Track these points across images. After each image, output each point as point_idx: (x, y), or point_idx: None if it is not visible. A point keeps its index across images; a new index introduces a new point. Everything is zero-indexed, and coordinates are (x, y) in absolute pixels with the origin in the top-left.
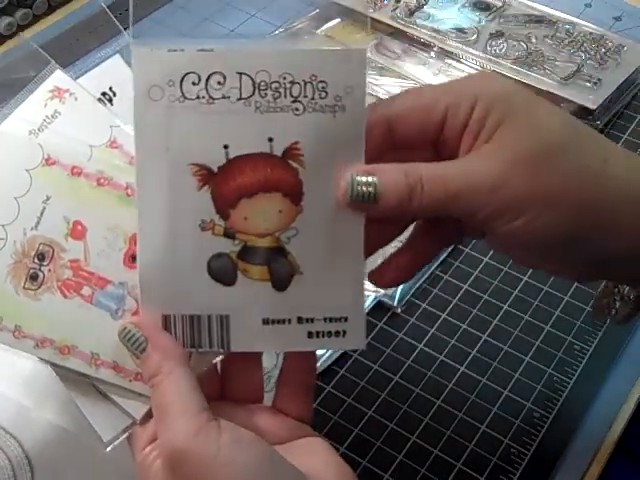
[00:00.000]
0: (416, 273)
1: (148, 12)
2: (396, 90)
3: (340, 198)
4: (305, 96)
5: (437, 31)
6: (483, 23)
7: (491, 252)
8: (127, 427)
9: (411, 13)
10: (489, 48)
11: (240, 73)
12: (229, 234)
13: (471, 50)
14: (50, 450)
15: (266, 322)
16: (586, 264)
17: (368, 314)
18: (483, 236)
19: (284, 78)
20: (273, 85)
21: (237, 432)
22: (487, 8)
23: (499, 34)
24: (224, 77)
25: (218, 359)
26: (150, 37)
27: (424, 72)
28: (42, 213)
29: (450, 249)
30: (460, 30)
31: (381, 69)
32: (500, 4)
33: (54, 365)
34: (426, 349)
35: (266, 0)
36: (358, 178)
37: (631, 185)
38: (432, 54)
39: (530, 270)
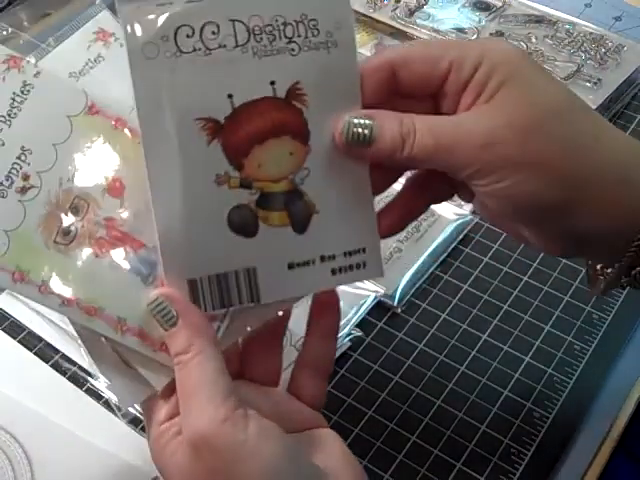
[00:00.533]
0: (405, 227)
1: None
2: None
3: (337, 138)
4: (299, 35)
5: (437, 31)
6: (483, 23)
7: (491, 252)
8: (148, 397)
9: (411, 13)
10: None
11: (233, 20)
12: (245, 184)
13: None
14: (50, 450)
15: (291, 266)
16: (565, 237)
17: (368, 314)
18: (471, 199)
19: (276, 20)
20: (267, 28)
21: (264, 423)
22: (487, 8)
23: (499, 34)
24: (217, 26)
25: (242, 337)
26: None
27: None
28: (81, 165)
29: (450, 249)
30: (460, 30)
31: None
32: (500, 4)
33: (79, 325)
34: (426, 349)
35: None
36: (355, 120)
37: (619, 163)
38: None
39: (530, 270)
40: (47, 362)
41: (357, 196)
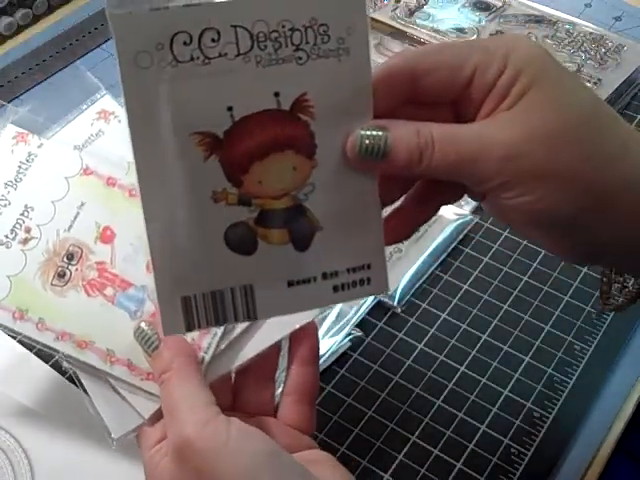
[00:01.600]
0: (413, 233)
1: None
2: None
3: (348, 152)
4: (307, 42)
5: (437, 31)
6: (483, 23)
7: (491, 252)
8: (137, 426)
9: (411, 13)
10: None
11: (235, 26)
12: (244, 201)
13: None
14: (50, 450)
15: (291, 284)
16: (586, 246)
17: (368, 314)
18: (482, 200)
19: (283, 26)
20: (272, 35)
21: (245, 426)
22: (487, 8)
23: (499, 34)
24: (218, 33)
25: (233, 368)
26: None
27: None
28: (76, 217)
29: (450, 249)
30: (460, 30)
31: None
32: (500, 4)
33: (71, 358)
34: (426, 349)
35: None
36: (367, 132)
37: None
38: None
39: (530, 270)
40: (47, 362)
41: (364, 211)
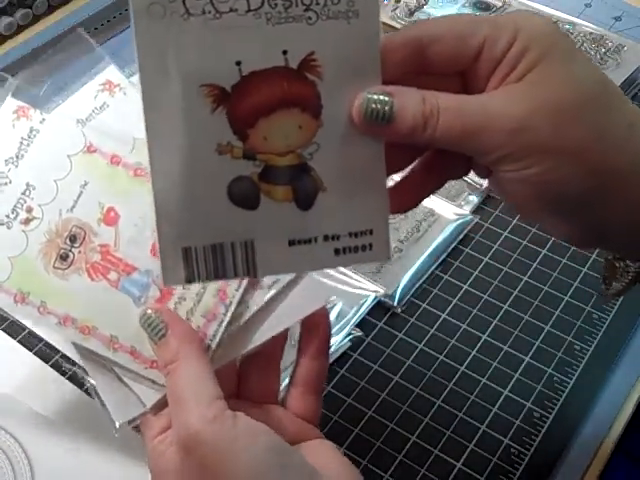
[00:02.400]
0: (418, 204)
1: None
2: None
3: (354, 115)
4: (317, 3)
5: None
6: None
7: (491, 252)
8: (140, 414)
9: (411, 13)
10: None
11: None
12: (249, 155)
13: None
14: (50, 450)
15: (292, 243)
16: (590, 227)
17: (368, 314)
18: (488, 175)
19: None
20: None
21: (252, 422)
22: (487, 8)
23: None
24: None
25: (240, 355)
26: None
27: None
28: (79, 197)
29: (450, 249)
30: None
31: None
32: (500, 4)
33: (74, 344)
34: (426, 349)
35: None
36: (374, 96)
37: None
38: None
39: (530, 270)
40: (47, 362)
41: (369, 175)
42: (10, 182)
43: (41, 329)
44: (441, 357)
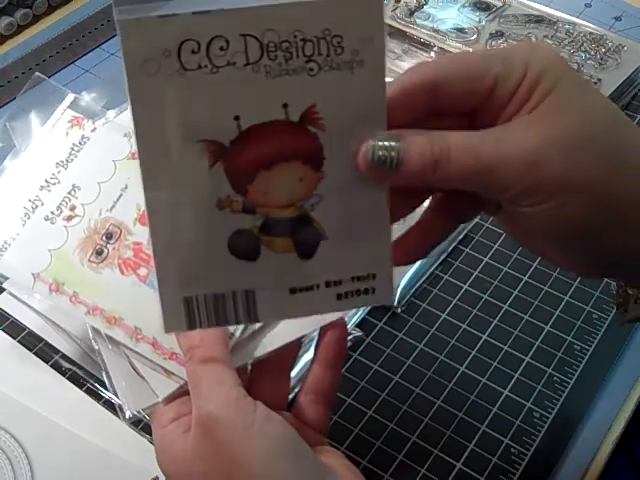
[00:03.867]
0: (430, 251)
1: None
2: None
3: (360, 163)
4: (320, 54)
5: (437, 31)
6: (483, 23)
7: (491, 252)
8: (151, 405)
9: (411, 13)
10: (489, 48)
11: (244, 35)
12: (248, 209)
13: (471, 50)
14: (50, 450)
15: (293, 291)
16: (600, 258)
17: (368, 314)
18: (495, 212)
19: (294, 36)
20: (283, 45)
21: (269, 410)
22: (487, 8)
23: (499, 34)
24: (227, 41)
25: (253, 359)
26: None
27: None
28: (118, 199)
29: (450, 249)
30: (460, 30)
31: None
32: (500, 4)
33: (98, 334)
34: (426, 349)
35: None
36: (380, 143)
37: None
38: (432, 54)
39: (530, 270)
40: (47, 362)
41: (372, 222)
42: (59, 182)
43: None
44: (441, 357)
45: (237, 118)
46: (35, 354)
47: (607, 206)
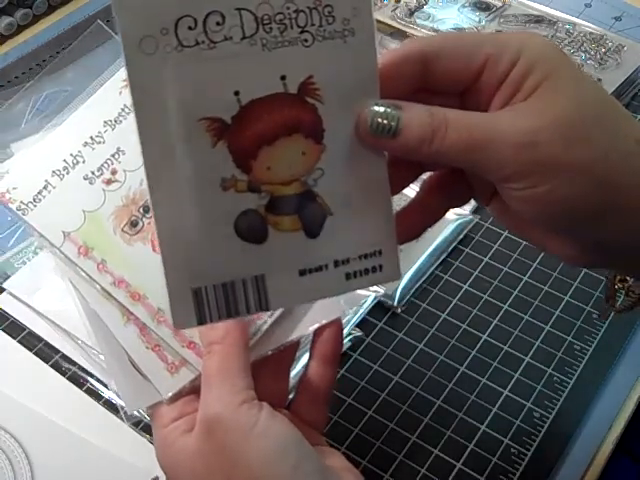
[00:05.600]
0: (422, 233)
1: None
2: None
3: (360, 129)
4: (312, 24)
5: (437, 31)
6: (483, 23)
7: (491, 252)
8: (153, 404)
9: (411, 13)
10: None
11: (239, 9)
12: (253, 188)
13: None
14: (50, 450)
15: (303, 273)
16: (594, 246)
17: (368, 314)
18: (489, 202)
19: (287, 8)
20: (277, 17)
21: (273, 412)
22: (487, 8)
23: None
24: (222, 16)
25: (268, 352)
26: None
27: None
28: None
29: (450, 249)
30: (460, 30)
31: None
32: (500, 4)
33: (100, 328)
34: (426, 349)
35: None
36: (380, 109)
37: None
38: None
39: (530, 270)
40: (47, 362)
41: (374, 196)
42: (104, 142)
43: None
44: (441, 357)
45: (237, 93)
46: (35, 354)
47: (602, 189)
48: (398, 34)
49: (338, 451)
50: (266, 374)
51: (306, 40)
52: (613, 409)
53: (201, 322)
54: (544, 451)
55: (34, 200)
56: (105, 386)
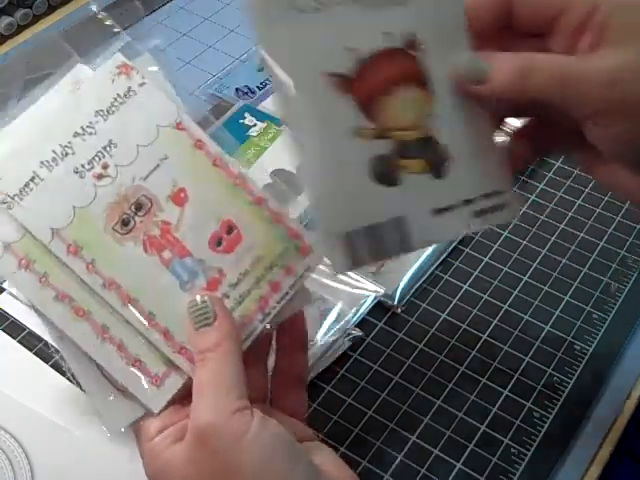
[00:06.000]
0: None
1: (148, 12)
2: None
3: (454, 78)
4: None
5: None
6: None
7: (491, 252)
8: (136, 420)
9: None
10: None
11: None
12: (381, 135)
13: None
14: (50, 450)
15: (436, 212)
16: None
17: (368, 314)
18: (573, 149)
19: None
20: None
21: (265, 418)
22: None
23: None
24: None
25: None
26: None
27: None
28: (155, 169)
29: (450, 249)
30: None
31: None
32: None
33: (115, 311)
34: (426, 349)
35: None
36: (468, 62)
37: None
38: None
39: (530, 270)
40: (47, 362)
41: (484, 139)
42: (95, 133)
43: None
44: (441, 357)
45: (351, 49)
46: (35, 354)
47: None
48: None
49: (326, 445)
50: (245, 365)
51: None
52: (613, 409)
53: (355, 264)
54: (544, 451)
55: (20, 193)
56: None
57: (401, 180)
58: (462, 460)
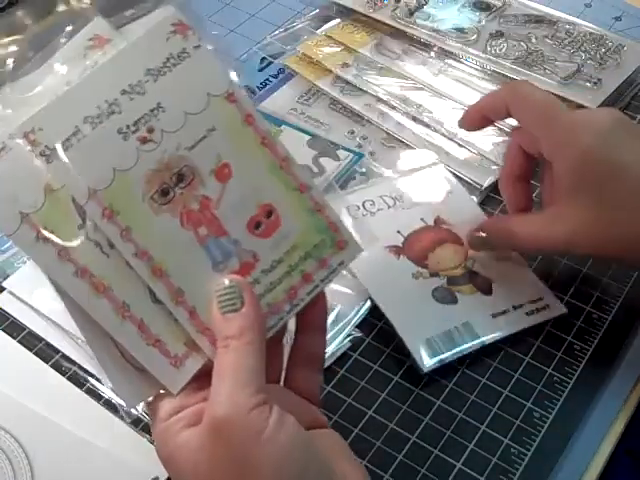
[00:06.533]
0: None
1: (147, 12)
2: (396, 90)
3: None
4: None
5: (437, 31)
6: (483, 23)
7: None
8: (153, 397)
9: (411, 13)
10: (489, 48)
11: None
12: (433, 274)
13: (471, 50)
14: (50, 450)
15: (494, 316)
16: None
17: (368, 314)
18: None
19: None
20: None
21: (283, 415)
22: (487, 8)
23: (499, 34)
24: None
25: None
26: None
27: (424, 72)
28: (201, 140)
29: None
30: (460, 30)
31: (381, 69)
32: (500, 4)
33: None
34: None
35: (266, 0)
36: (476, 235)
37: None
38: (432, 54)
39: None
40: (47, 362)
41: (517, 268)
42: (144, 93)
43: None
44: None
45: (398, 232)
46: (35, 354)
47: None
48: (398, 34)
49: (339, 435)
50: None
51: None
52: (613, 409)
53: (434, 356)
54: (544, 451)
55: (62, 146)
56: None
57: (459, 299)
58: (462, 460)
